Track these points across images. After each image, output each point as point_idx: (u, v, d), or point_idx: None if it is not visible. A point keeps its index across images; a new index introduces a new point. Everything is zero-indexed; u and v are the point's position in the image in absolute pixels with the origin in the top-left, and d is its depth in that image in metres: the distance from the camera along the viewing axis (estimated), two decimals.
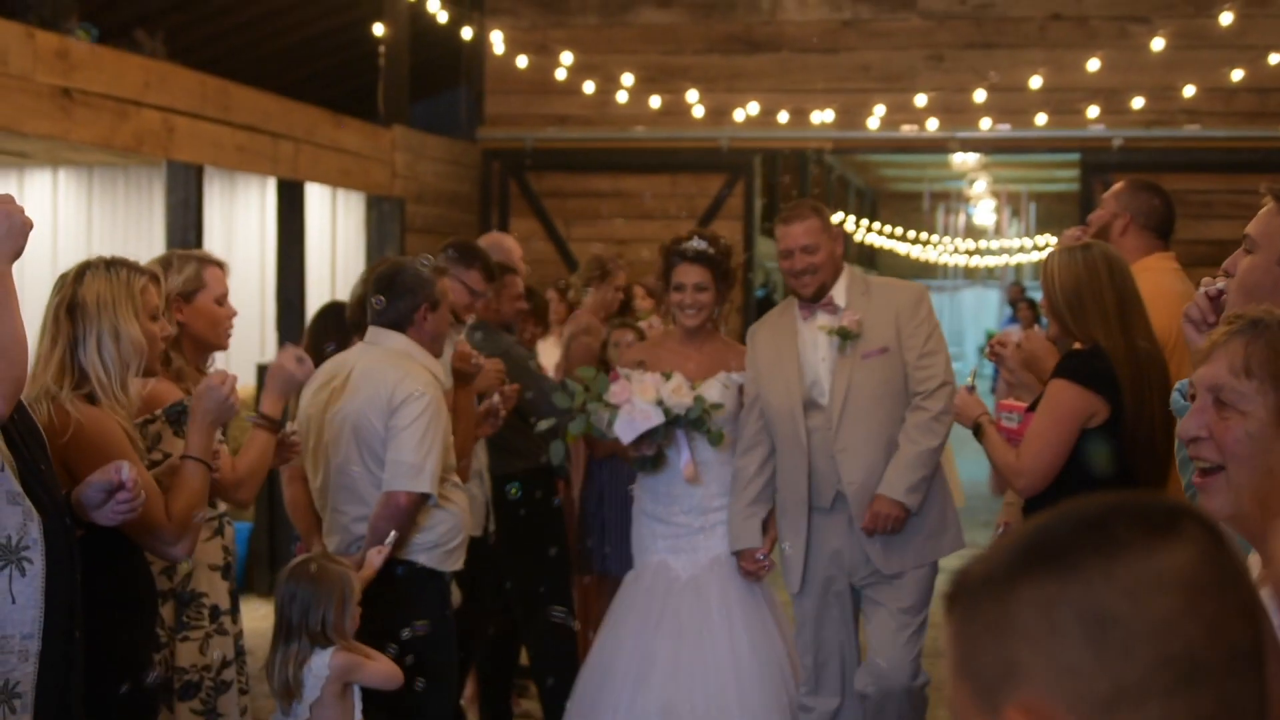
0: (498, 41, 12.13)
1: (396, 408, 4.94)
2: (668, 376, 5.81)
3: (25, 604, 3.21)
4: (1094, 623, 1.19)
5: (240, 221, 11.97)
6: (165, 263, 4.71)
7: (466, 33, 11.64)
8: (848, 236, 17.77)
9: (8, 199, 3.59)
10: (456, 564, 5.18)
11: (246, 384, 10.19)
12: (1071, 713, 1.18)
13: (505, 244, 8.17)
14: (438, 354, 5.22)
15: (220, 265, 4.85)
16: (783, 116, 12.36)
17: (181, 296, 4.63)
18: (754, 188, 12.88)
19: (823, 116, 12.25)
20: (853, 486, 5.62)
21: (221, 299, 4.78)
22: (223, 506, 4.63)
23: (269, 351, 10.89)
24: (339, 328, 5.84)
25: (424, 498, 4.96)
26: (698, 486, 5.96)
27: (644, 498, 6.10)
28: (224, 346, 4.86)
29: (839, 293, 5.72)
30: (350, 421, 5.00)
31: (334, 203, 12.12)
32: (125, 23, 11.49)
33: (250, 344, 11.12)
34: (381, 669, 4.60)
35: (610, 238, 12.31)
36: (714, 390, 5.90)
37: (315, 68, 13.40)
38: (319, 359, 5.38)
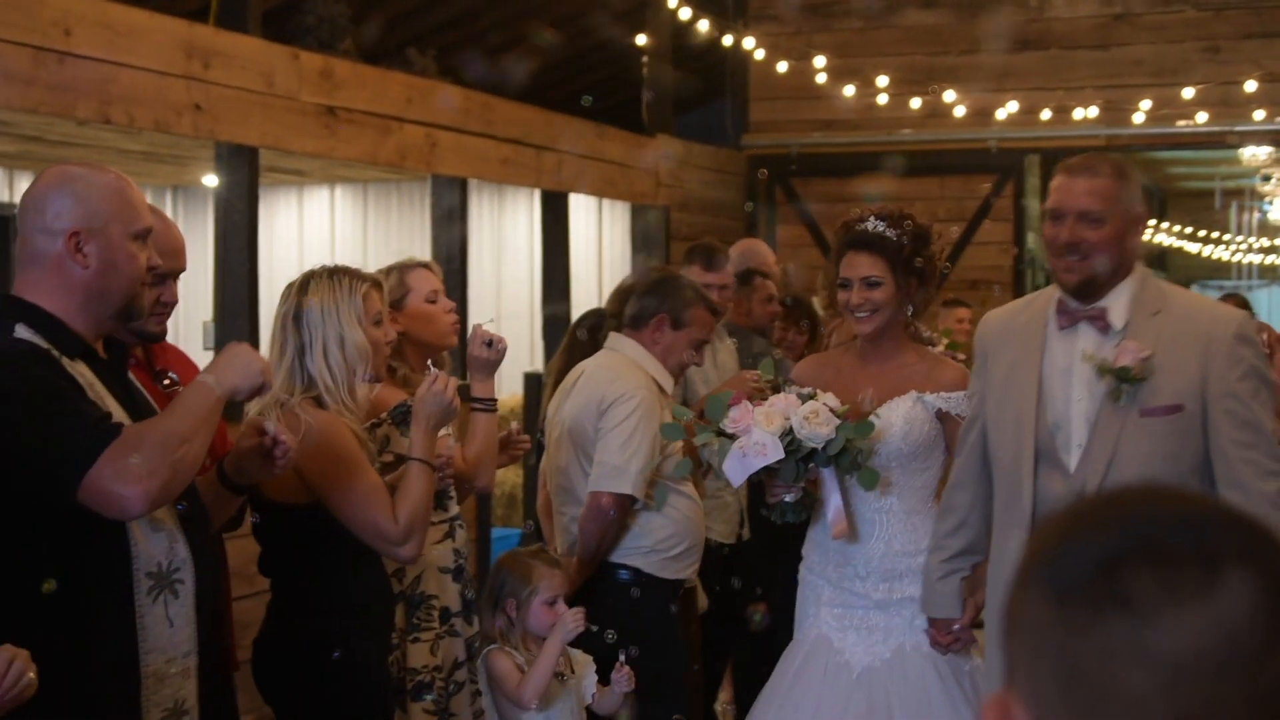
0: (760, 48, 12.13)
1: (606, 409, 5.01)
2: (806, 398, 4.44)
3: (182, 624, 3.28)
4: (1068, 668, 1.14)
5: (507, 232, 12.19)
6: (376, 285, 4.84)
7: (726, 40, 11.67)
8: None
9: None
10: (682, 572, 5.19)
11: (515, 393, 10.39)
12: None
13: (758, 248, 8.21)
14: (673, 370, 5.24)
15: (426, 265, 4.95)
16: (1045, 114, 12.08)
17: (392, 306, 4.74)
18: (1025, 188, 12.62)
19: (1085, 113, 11.94)
20: None
21: (432, 297, 4.86)
22: (454, 510, 4.72)
23: (537, 361, 11.09)
24: (594, 335, 5.92)
25: (629, 500, 4.99)
26: (860, 544, 4.62)
27: (811, 552, 4.80)
28: (449, 344, 4.94)
29: (1118, 302, 3.99)
30: (567, 424, 5.09)
31: (599, 212, 12.26)
32: (399, 43, 11.83)
33: (519, 353, 11.31)
34: (516, 691, 4.62)
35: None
36: (896, 416, 4.57)
37: (582, 83, 13.58)
38: (573, 364, 5.49)
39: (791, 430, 4.37)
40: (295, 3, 10.88)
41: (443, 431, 4.32)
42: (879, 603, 4.58)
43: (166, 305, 4.00)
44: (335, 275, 4.12)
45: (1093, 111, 11.96)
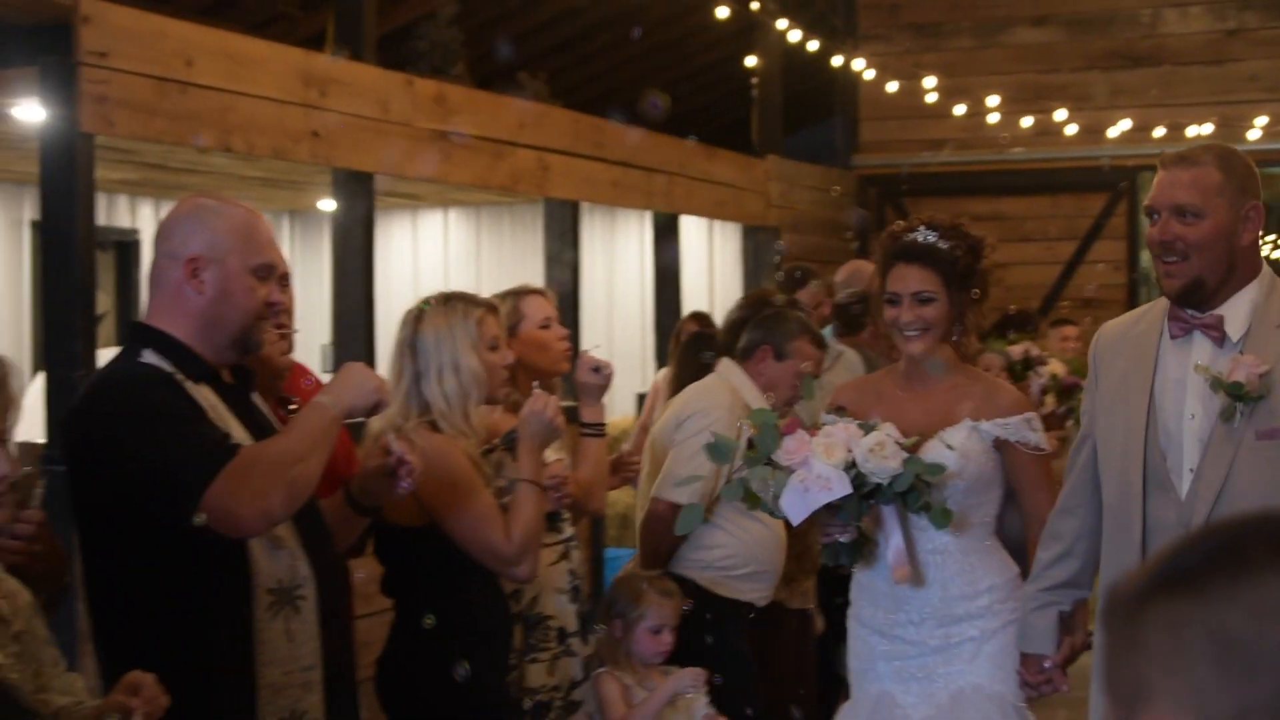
0: (870, 68, 12.13)
1: (682, 423, 5.13)
2: (868, 428, 3.99)
3: (304, 639, 3.33)
4: (1219, 644, 1.16)
5: (619, 254, 12.27)
6: (491, 309, 4.91)
7: (837, 60, 11.68)
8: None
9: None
10: (747, 594, 5.26)
11: (627, 415, 10.44)
12: None
13: (863, 270, 8.20)
14: (780, 404, 5.28)
15: (540, 292, 5.02)
16: (1158, 131, 11.97)
17: (507, 332, 4.81)
18: (1138, 205, 12.52)
19: (1199, 129, 11.82)
20: None
21: (545, 323, 4.93)
22: (568, 531, 4.77)
23: (649, 382, 11.14)
24: (697, 356, 5.97)
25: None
26: (913, 589, 4.18)
27: (858, 598, 4.36)
28: (561, 370, 5.01)
29: (1237, 310, 3.53)
30: (652, 438, 5.23)
31: (710, 233, 12.30)
32: (510, 66, 11.95)
33: (631, 375, 11.37)
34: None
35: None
36: (953, 441, 4.13)
37: (691, 104, 13.64)
38: (684, 384, 5.60)
39: (855, 464, 3.93)
40: (408, 28, 11.04)
41: (554, 455, 4.37)
42: (936, 648, 4.18)
43: (288, 335, 4.07)
44: (450, 302, 4.19)
45: (1207, 128, 11.84)
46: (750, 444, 4.10)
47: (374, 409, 3.43)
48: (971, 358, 6.68)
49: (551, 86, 11.93)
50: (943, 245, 4.19)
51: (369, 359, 7.66)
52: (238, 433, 3.33)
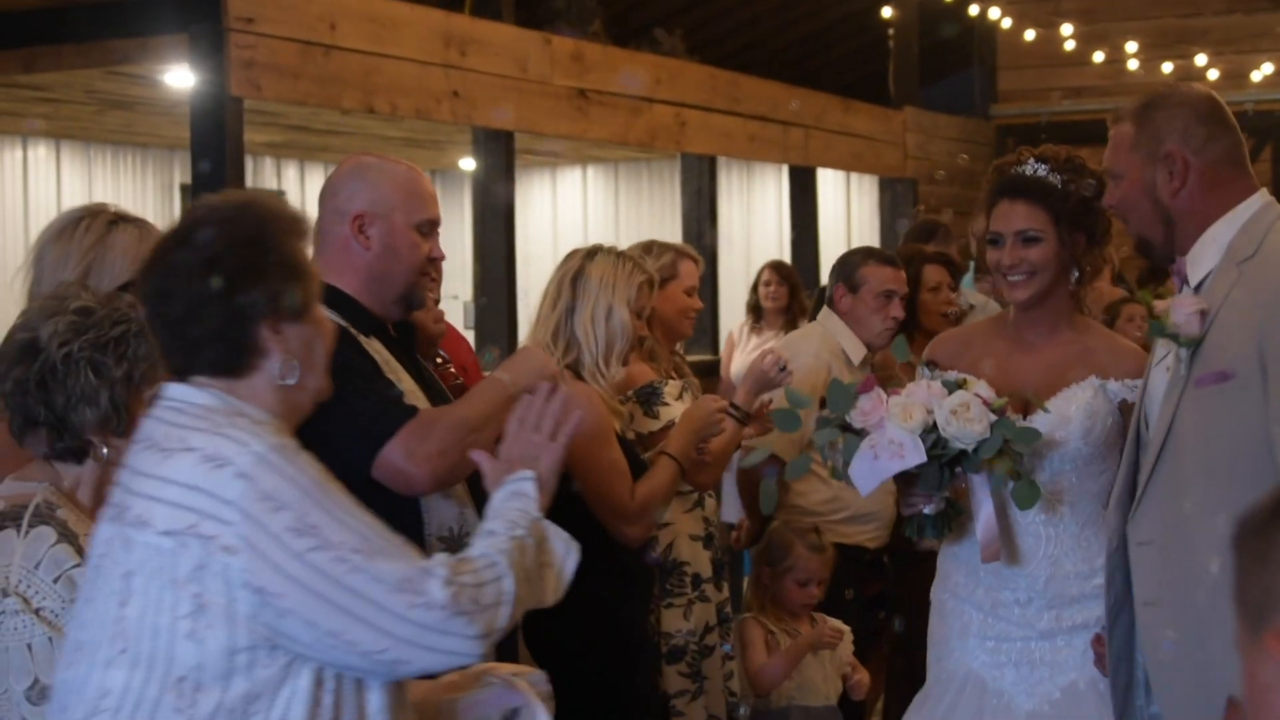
0: (1006, 17, 12.02)
1: None
2: (955, 386, 3.54)
3: None
4: None
5: (756, 208, 12.31)
6: (646, 249, 4.97)
7: (974, 10, 11.61)
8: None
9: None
10: (855, 538, 5.29)
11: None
12: None
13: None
14: (875, 337, 5.30)
15: (695, 259, 5.09)
16: None
17: (658, 284, 4.86)
18: None
19: None
20: (1149, 609, 3.12)
21: (691, 291, 5.00)
22: None
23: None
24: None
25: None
26: (1021, 564, 3.66)
27: (954, 571, 3.82)
28: (687, 334, 5.07)
29: (1201, 252, 3.15)
30: None
31: (847, 186, 12.31)
32: (646, 23, 12.02)
33: None
34: (755, 672, 4.85)
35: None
36: (1074, 409, 3.64)
37: (828, 57, 13.62)
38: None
39: (935, 427, 3.47)
40: None
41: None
42: (1044, 632, 3.66)
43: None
44: (622, 257, 4.28)
45: None
46: (823, 403, 3.68)
47: (549, 376, 3.47)
48: (1114, 307, 6.26)
49: (687, 43, 11.97)
50: (1054, 179, 3.66)
51: (510, 316, 7.80)
52: (408, 384, 3.42)
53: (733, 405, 4.53)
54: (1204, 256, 3.13)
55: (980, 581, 3.70)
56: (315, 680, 2.28)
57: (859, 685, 5.03)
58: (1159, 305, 3.13)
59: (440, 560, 2.31)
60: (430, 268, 3.52)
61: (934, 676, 3.80)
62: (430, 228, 3.50)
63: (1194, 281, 3.13)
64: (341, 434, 3.18)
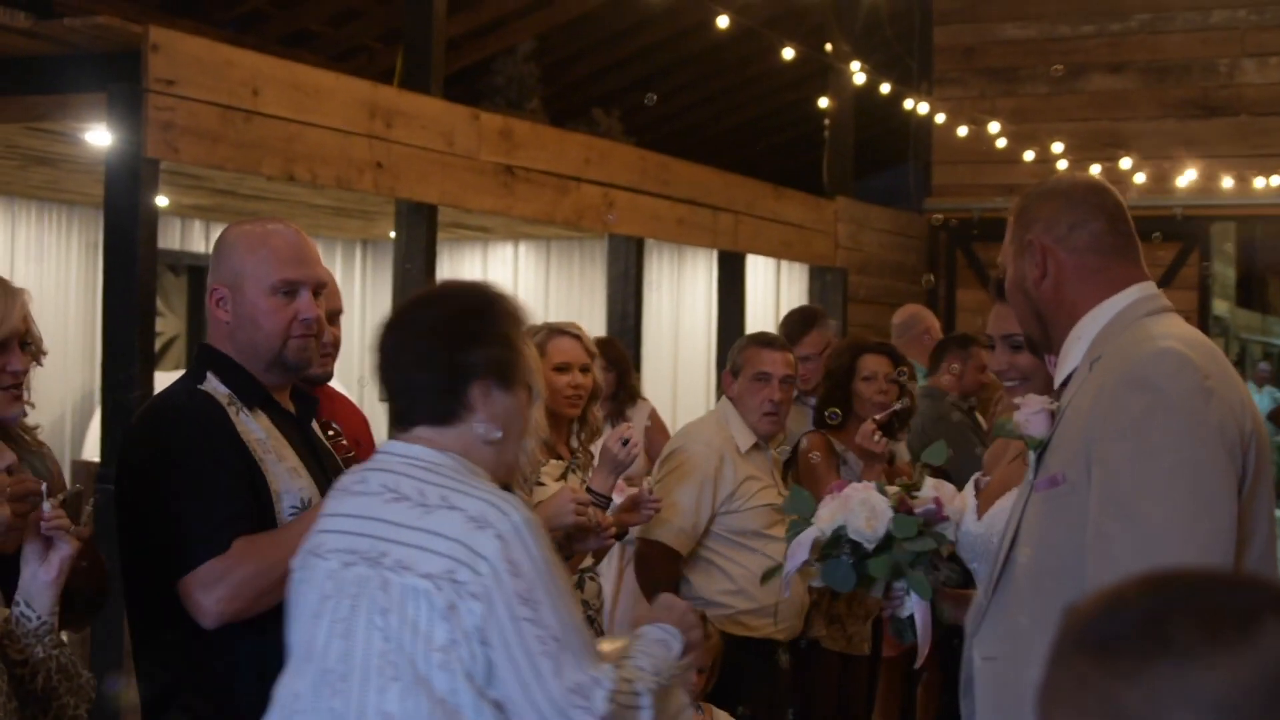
0: (941, 113, 12.13)
1: (665, 459, 5.41)
2: (887, 488, 3.52)
3: None
4: (1111, 716, 1.16)
5: (685, 292, 12.33)
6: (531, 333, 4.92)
7: (908, 104, 11.71)
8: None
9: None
10: (763, 631, 5.25)
11: None
12: None
13: (920, 315, 8.18)
14: (751, 421, 5.31)
15: (577, 336, 4.91)
16: (1227, 182, 11.89)
17: None
18: (1211, 254, 12.44)
19: (1268, 181, 11.73)
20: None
21: (564, 368, 4.78)
22: (588, 560, 4.81)
23: None
24: None
25: (663, 548, 5.31)
26: None
27: None
28: (569, 413, 4.83)
29: (1065, 351, 2.96)
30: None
31: (777, 273, 12.34)
32: (585, 102, 12.07)
33: (696, 410, 11.41)
34: None
35: None
36: (998, 512, 3.45)
37: (764, 144, 13.71)
38: None
39: (846, 525, 3.45)
40: (485, 63, 11.18)
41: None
42: None
43: (325, 346, 4.12)
44: None
45: (1276, 180, 11.74)
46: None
47: None
48: None
49: (625, 124, 12.03)
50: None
51: None
52: (291, 460, 3.39)
53: (591, 490, 4.46)
54: (1069, 355, 2.94)
55: None
56: None
57: None
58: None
59: (608, 675, 2.62)
60: (304, 329, 3.48)
61: None
62: (292, 287, 3.47)
63: (1057, 382, 3.00)
64: (162, 536, 3.29)
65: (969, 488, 3.64)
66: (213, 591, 3.22)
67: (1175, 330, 2.83)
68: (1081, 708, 1.17)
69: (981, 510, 3.55)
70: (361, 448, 4.35)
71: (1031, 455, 2.94)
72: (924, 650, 3.53)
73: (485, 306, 2.86)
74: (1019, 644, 2.82)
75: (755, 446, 5.34)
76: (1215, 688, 1.12)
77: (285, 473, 3.37)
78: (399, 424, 2.84)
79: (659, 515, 4.86)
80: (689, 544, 5.21)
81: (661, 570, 5.16)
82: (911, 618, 3.51)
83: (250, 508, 3.30)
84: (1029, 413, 2.93)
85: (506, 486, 2.91)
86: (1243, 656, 1.13)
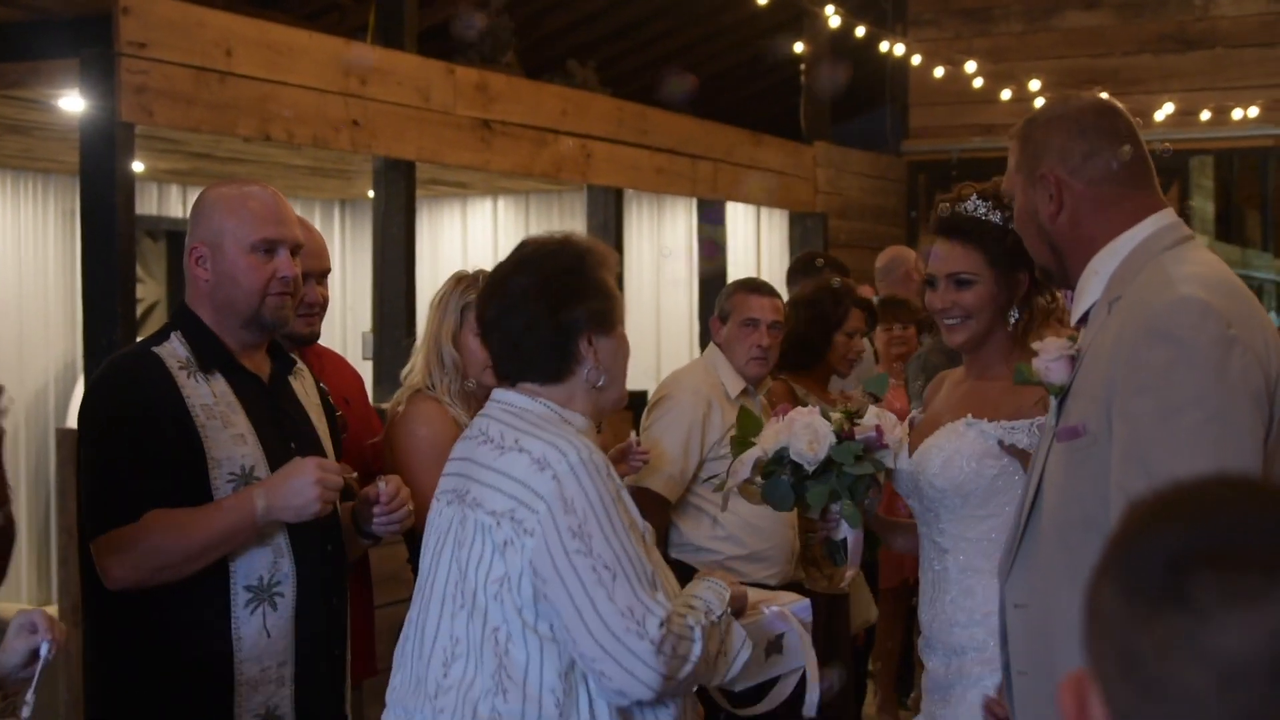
0: (917, 54, 12.10)
1: (651, 408, 5.38)
2: (832, 413, 3.51)
3: (279, 635, 3.38)
4: (1129, 660, 1.17)
5: (666, 241, 12.31)
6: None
7: (883, 46, 11.66)
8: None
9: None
10: (756, 577, 5.24)
11: None
12: (1105, 705, 1.19)
13: (902, 256, 8.19)
14: (739, 366, 5.32)
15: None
16: (1205, 115, 11.88)
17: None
18: (1190, 190, 12.44)
19: (1245, 113, 11.72)
20: (1022, 678, 2.90)
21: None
22: None
23: None
24: None
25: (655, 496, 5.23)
26: (924, 607, 3.57)
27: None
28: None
29: (1082, 287, 2.84)
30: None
31: (758, 220, 12.32)
32: (560, 55, 12.00)
33: (678, 360, 11.42)
34: None
35: None
36: (938, 447, 3.47)
37: (742, 94, 13.65)
38: None
39: (787, 445, 3.47)
40: (459, 17, 11.10)
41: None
42: (940, 684, 3.50)
43: (311, 306, 4.13)
44: (462, 280, 4.25)
45: (1253, 111, 11.74)
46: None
47: (311, 514, 3.32)
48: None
49: (600, 75, 11.96)
50: (994, 217, 3.42)
51: (409, 346, 7.72)
52: (239, 426, 3.40)
53: None
54: (1085, 291, 2.81)
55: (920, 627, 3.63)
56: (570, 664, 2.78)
57: None
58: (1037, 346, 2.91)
59: (663, 602, 2.75)
60: (281, 286, 3.49)
61: None
62: (271, 246, 3.48)
63: (1074, 320, 2.89)
64: (89, 493, 3.41)
65: (904, 425, 3.62)
66: (113, 558, 3.30)
67: (1195, 270, 2.69)
68: (1108, 636, 1.19)
69: (912, 448, 3.52)
70: (351, 406, 4.35)
71: (1053, 401, 2.86)
72: (849, 574, 3.66)
73: (578, 262, 2.94)
74: (1048, 592, 2.75)
75: (744, 392, 5.33)
76: (1225, 650, 1.12)
77: (228, 440, 3.38)
78: (508, 382, 2.98)
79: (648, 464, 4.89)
80: (678, 491, 5.19)
81: (651, 518, 5.13)
82: (845, 541, 3.58)
83: (174, 479, 3.32)
84: (1048, 359, 2.84)
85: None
86: (1254, 624, 1.12)
